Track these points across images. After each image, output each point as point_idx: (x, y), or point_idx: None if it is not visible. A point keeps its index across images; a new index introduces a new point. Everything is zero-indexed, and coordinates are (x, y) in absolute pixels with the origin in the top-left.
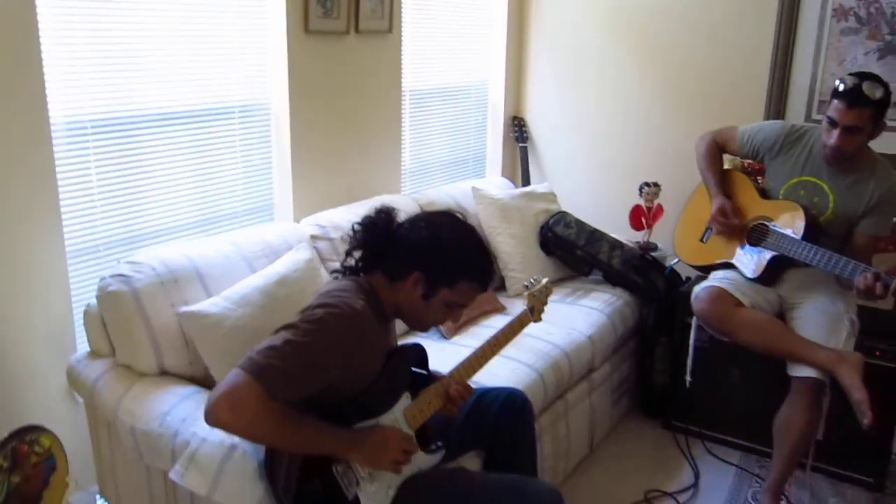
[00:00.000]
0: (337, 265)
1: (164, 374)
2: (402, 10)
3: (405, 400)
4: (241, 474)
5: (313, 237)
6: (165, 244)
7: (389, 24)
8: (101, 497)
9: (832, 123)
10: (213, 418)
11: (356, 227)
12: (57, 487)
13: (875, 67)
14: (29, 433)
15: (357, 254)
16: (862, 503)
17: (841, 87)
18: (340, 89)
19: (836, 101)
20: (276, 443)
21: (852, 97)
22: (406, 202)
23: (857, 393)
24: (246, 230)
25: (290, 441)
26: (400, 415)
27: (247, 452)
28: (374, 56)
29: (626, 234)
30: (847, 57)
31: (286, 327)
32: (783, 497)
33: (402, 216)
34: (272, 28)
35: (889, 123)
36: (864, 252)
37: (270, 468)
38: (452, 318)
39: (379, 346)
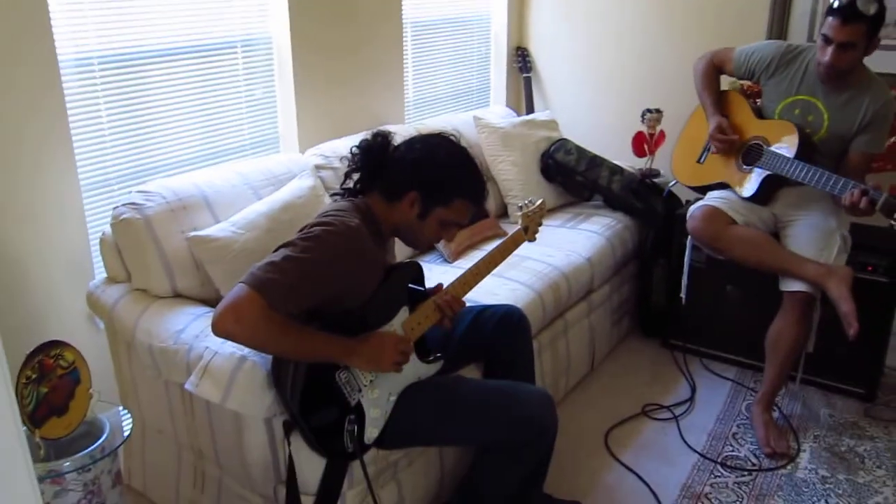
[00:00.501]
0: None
1: (178, 296)
2: None
3: (403, 314)
4: (251, 383)
5: (317, 167)
6: (172, 175)
7: None
8: (125, 410)
9: (826, 40)
10: (219, 329)
11: (353, 150)
12: (81, 398)
13: None
14: (53, 348)
15: (355, 176)
16: (853, 412)
17: (836, 4)
18: (341, 21)
19: (830, 18)
20: (279, 350)
21: (847, 13)
22: (409, 131)
23: (845, 305)
24: (252, 160)
25: (293, 348)
26: (399, 326)
27: (256, 363)
28: None
29: (629, 161)
30: None
31: (285, 245)
32: (775, 407)
33: (398, 140)
34: None
35: (882, 42)
36: (858, 170)
37: (277, 376)
38: (447, 237)
39: (375, 262)
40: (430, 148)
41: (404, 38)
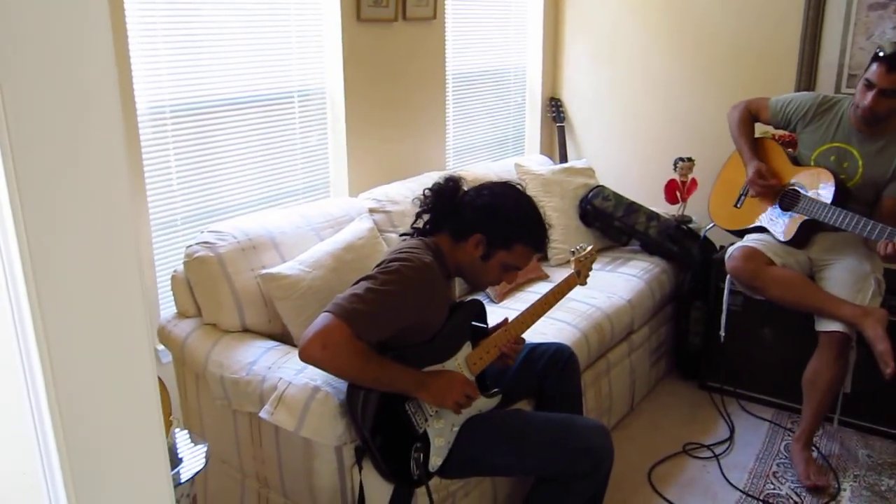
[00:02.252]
0: (393, 236)
1: (246, 331)
2: None
3: (467, 348)
4: (323, 411)
5: (371, 210)
6: (241, 216)
7: (434, 11)
8: (198, 439)
9: (869, 85)
10: (306, 355)
11: (426, 192)
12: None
13: None
14: None
15: (426, 217)
16: (891, 453)
17: (882, 52)
18: (390, 73)
19: (875, 65)
20: (359, 378)
21: (893, 62)
22: (478, 177)
23: (881, 344)
24: (312, 204)
25: (372, 377)
26: (462, 361)
27: (329, 393)
28: (420, 41)
29: (661, 208)
30: (875, 31)
31: (366, 278)
32: (814, 447)
33: (466, 186)
34: (327, 17)
35: None
36: (892, 216)
37: (351, 404)
38: (507, 280)
39: (444, 297)
40: (499, 194)
41: (447, 89)
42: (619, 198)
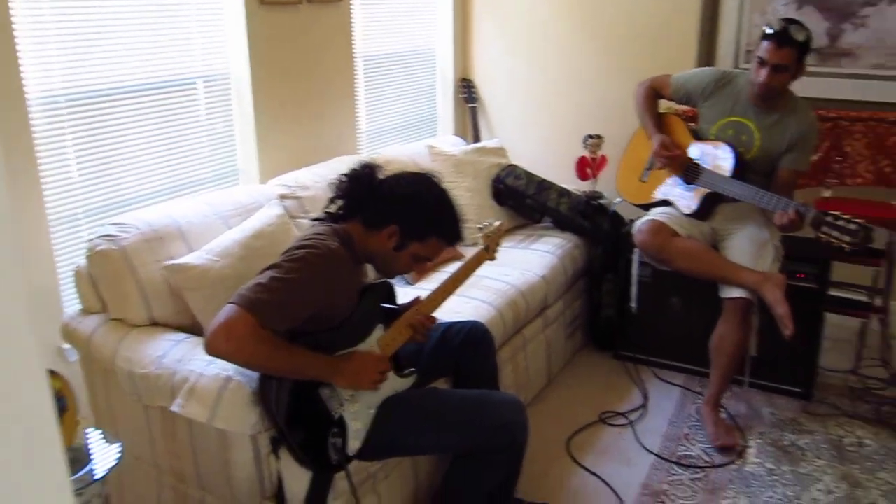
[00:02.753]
0: (305, 221)
1: (154, 324)
2: None
3: (378, 331)
4: (237, 401)
5: (281, 196)
6: (147, 207)
7: None
8: (111, 437)
9: (762, 63)
10: (212, 348)
11: (341, 177)
12: (69, 425)
13: (794, 16)
14: None
15: (339, 202)
16: (793, 410)
17: (770, 30)
18: (297, 57)
19: (765, 43)
20: (269, 368)
21: (781, 38)
22: (391, 164)
23: (780, 308)
24: (219, 192)
25: (282, 366)
26: (375, 344)
27: (241, 382)
28: (326, 24)
29: (573, 185)
30: (768, 8)
31: (271, 267)
32: (722, 408)
33: (384, 173)
34: (229, 0)
35: (807, 68)
36: (787, 186)
37: (264, 394)
38: (417, 270)
39: (354, 283)
40: (417, 186)
41: (356, 73)
42: (530, 176)
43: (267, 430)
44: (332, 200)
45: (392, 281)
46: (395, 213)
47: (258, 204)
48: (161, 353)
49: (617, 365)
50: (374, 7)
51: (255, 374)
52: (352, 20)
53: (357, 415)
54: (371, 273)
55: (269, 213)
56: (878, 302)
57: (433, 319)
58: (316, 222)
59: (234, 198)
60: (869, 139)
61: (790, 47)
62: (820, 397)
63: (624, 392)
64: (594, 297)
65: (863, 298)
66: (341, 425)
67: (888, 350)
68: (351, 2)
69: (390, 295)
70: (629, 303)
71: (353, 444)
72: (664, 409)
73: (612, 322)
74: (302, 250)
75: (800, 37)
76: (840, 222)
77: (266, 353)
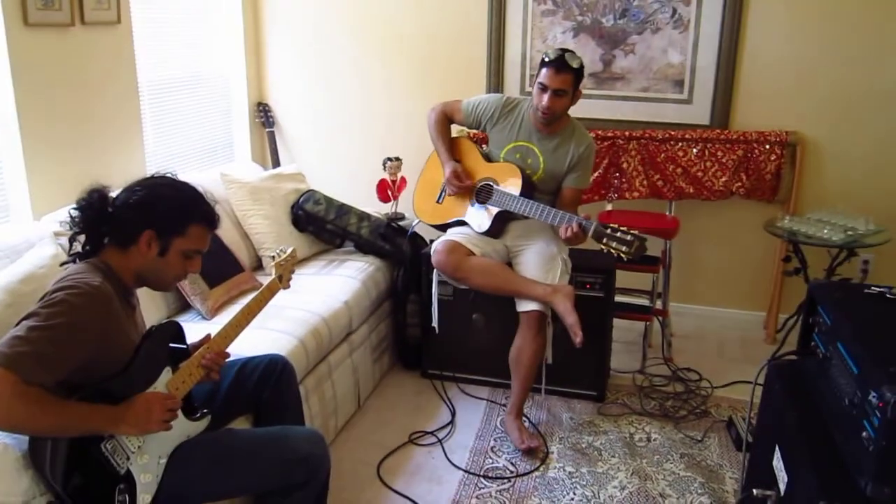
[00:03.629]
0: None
1: None
2: (131, 0)
3: (167, 374)
4: (3, 467)
5: (57, 234)
6: None
7: (118, 14)
8: None
9: (543, 88)
10: None
11: (72, 212)
12: None
13: (571, 44)
14: None
15: (81, 238)
16: (589, 413)
17: (548, 58)
18: (71, 83)
19: (545, 69)
20: (40, 429)
21: (558, 65)
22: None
23: (570, 317)
24: None
25: (55, 424)
26: (163, 388)
27: (7, 445)
28: (104, 47)
29: (375, 207)
30: (548, 35)
31: (27, 316)
32: (524, 417)
33: (115, 192)
34: None
35: (585, 91)
36: (571, 203)
37: (36, 455)
38: (192, 268)
39: (127, 321)
40: (152, 186)
41: (141, 98)
42: (330, 201)
43: (43, 496)
44: (72, 240)
45: (188, 322)
46: (143, 219)
47: (29, 243)
48: None
49: (425, 383)
50: (158, 30)
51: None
52: (133, 44)
53: (146, 467)
54: (160, 305)
55: (42, 254)
56: (658, 304)
57: (225, 355)
58: (66, 265)
59: (1, 240)
60: (642, 156)
61: (567, 73)
62: (613, 398)
63: (433, 410)
64: (399, 318)
65: (645, 302)
66: (129, 480)
67: (669, 348)
68: (132, 24)
69: (178, 334)
70: (432, 322)
71: (144, 499)
72: (471, 423)
73: (418, 341)
74: (60, 293)
75: (574, 63)
76: (618, 234)
77: (34, 412)
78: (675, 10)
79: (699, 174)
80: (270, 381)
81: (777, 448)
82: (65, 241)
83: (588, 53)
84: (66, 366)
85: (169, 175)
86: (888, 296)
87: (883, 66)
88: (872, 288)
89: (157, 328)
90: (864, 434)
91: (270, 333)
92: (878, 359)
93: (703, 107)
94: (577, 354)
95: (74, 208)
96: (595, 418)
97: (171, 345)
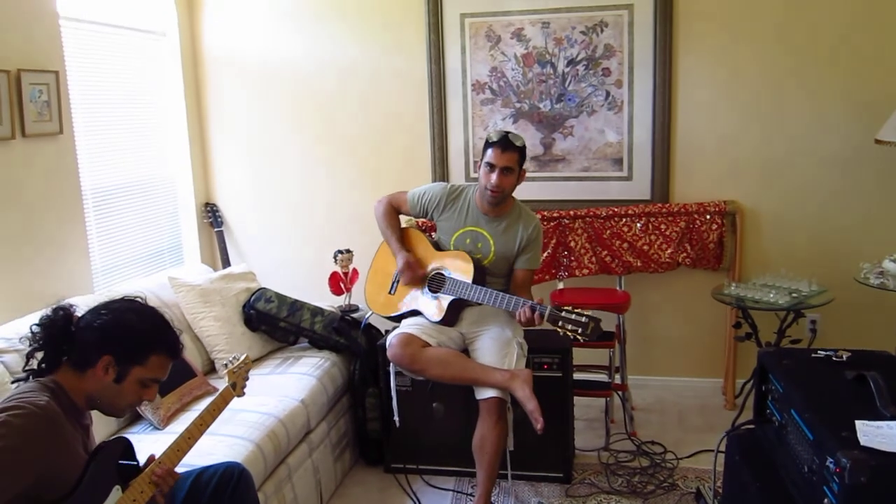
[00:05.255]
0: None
1: None
2: (73, 111)
3: (116, 494)
4: None
5: None
6: None
7: (60, 125)
8: None
9: (491, 167)
10: None
11: (33, 328)
12: None
13: (511, 129)
14: None
15: (39, 355)
16: (557, 495)
17: (492, 139)
18: (10, 196)
19: (490, 150)
20: None
21: (504, 143)
22: (99, 301)
23: (530, 404)
24: None
25: None
26: None
27: None
28: (46, 158)
29: (329, 301)
30: (489, 123)
31: None
32: None
33: (81, 311)
34: None
35: (529, 174)
36: (525, 284)
37: None
38: (147, 396)
39: (74, 441)
40: (118, 310)
41: (85, 206)
42: (281, 298)
43: None
44: (29, 356)
45: (140, 434)
46: (103, 344)
47: None
48: None
49: (389, 478)
50: (102, 137)
51: None
52: (76, 153)
53: None
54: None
55: None
56: (616, 379)
57: (175, 475)
58: (19, 383)
59: None
60: (588, 234)
61: (513, 151)
62: (579, 478)
63: None
64: (359, 413)
65: (603, 378)
66: None
67: (632, 422)
68: (74, 134)
69: (128, 451)
70: (392, 415)
71: None
72: None
73: (379, 435)
74: (3, 414)
75: (518, 143)
76: (573, 316)
77: None
78: (608, 93)
79: (645, 247)
80: (227, 491)
81: None
82: (7, 358)
83: (528, 138)
84: (8, 491)
85: (139, 300)
86: (834, 358)
87: (809, 135)
88: (819, 352)
89: (104, 445)
90: (825, 501)
91: (225, 440)
92: (831, 424)
93: (644, 182)
94: (541, 437)
95: (37, 324)
96: (563, 500)
97: (121, 461)
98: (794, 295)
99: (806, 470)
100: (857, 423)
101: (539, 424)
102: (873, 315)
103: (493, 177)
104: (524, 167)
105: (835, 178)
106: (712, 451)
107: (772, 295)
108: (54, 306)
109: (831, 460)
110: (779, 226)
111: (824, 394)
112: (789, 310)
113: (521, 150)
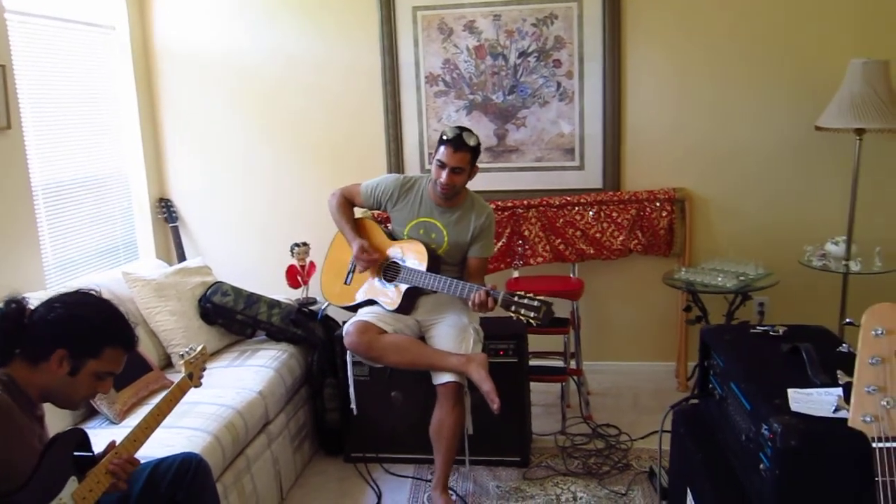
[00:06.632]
0: None
1: None
2: (21, 105)
3: (72, 484)
4: None
5: None
6: None
7: (7, 120)
8: None
9: (442, 165)
10: None
11: None
12: None
13: (465, 121)
14: None
15: None
16: (514, 479)
17: (446, 137)
18: None
19: (442, 148)
20: None
21: (456, 144)
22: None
23: (485, 385)
24: None
25: None
26: (69, 499)
27: None
28: None
29: (286, 294)
30: (443, 114)
31: None
32: (451, 490)
33: (34, 304)
34: None
35: (483, 165)
36: (479, 272)
37: None
38: (102, 389)
39: (28, 434)
40: (72, 303)
41: (35, 203)
42: (238, 291)
43: None
44: None
45: (98, 429)
46: (57, 338)
47: None
48: None
49: (349, 468)
50: (52, 132)
51: None
52: (25, 148)
53: None
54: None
55: None
56: (572, 365)
57: (135, 461)
58: None
59: None
60: (542, 223)
61: (465, 151)
62: (537, 461)
63: (358, 495)
64: (317, 404)
65: (559, 363)
66: None
67: (587, 406)
68: (23, 128)
69: (84, 442)
70: (350, 404)
71: None
72: (398, 502)
73: (338, 425)
74: None
75: (471, 142)
76: (525, 300)
77: None
78: (559, 84)
79: (598, 235)
80: (184, 482)
81: (688, 491)
82: None
83: (482, 129)
84: None
85: (93, 292)
86: (771, 333)
87: (755, 124)
88: (758, 328)
89: (60, 436)
90: (761, 466)
91: (183, 432)
92: (766, 393)
93: (595, 172)
94: (498, 422)
95: None
96: (521, 484)
97: (77, 453)
98: (742, 278)
99: (744, 438)
100: (789, 391)
101: (495, 405)
102: (817, 294)
103: (443, 175)
104: (476, 165)
105: (780, 165)
106: (663, 430)
107: (720, 279)
108: (6, 299)
109: (765, 427)
110: (727, 212)
111: (761, 366)
112: (737, 292)
113: (474, 150)
